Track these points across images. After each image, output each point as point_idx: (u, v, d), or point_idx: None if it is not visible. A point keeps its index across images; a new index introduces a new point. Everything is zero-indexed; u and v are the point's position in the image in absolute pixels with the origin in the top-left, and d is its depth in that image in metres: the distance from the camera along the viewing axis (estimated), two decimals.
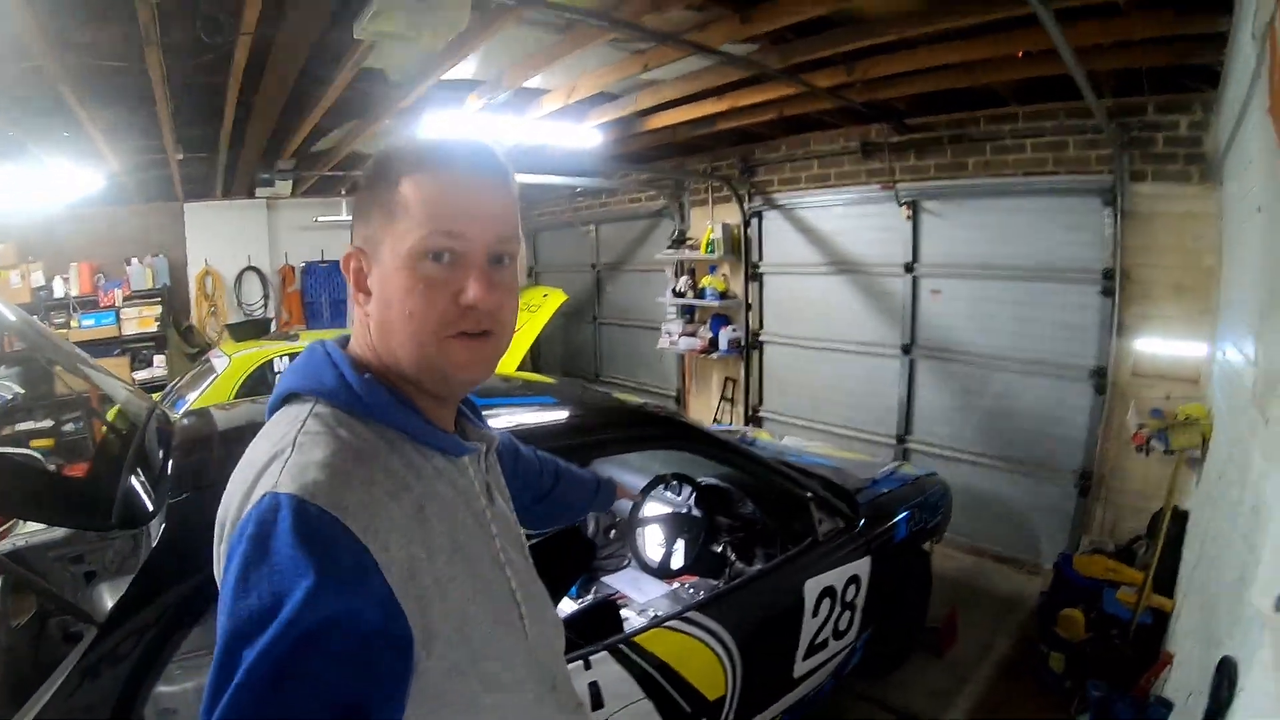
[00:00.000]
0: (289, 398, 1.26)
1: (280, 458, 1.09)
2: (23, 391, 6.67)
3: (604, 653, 2.82)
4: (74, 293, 8.92)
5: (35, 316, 5.78)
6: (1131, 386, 5.66)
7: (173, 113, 5.39)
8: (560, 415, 3.44)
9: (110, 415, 3.48)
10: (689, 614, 3.18)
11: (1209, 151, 5.09)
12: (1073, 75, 4.05)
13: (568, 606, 3.75)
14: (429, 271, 1.21)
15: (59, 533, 3.09)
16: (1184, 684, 3.15)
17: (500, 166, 1.29)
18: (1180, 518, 4.70)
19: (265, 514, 1.01)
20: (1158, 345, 5.51)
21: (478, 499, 1.32)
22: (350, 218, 1.35)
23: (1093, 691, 3.28)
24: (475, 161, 1.27)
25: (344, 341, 1.33)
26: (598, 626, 3.17)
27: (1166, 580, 4.51)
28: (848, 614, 3.91)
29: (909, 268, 7.04)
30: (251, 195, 9.25)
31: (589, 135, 6.85)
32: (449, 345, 1.22)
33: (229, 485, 1.17)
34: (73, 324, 8.74)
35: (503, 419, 3.09)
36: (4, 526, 4.05)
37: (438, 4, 3.43)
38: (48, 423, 7.38)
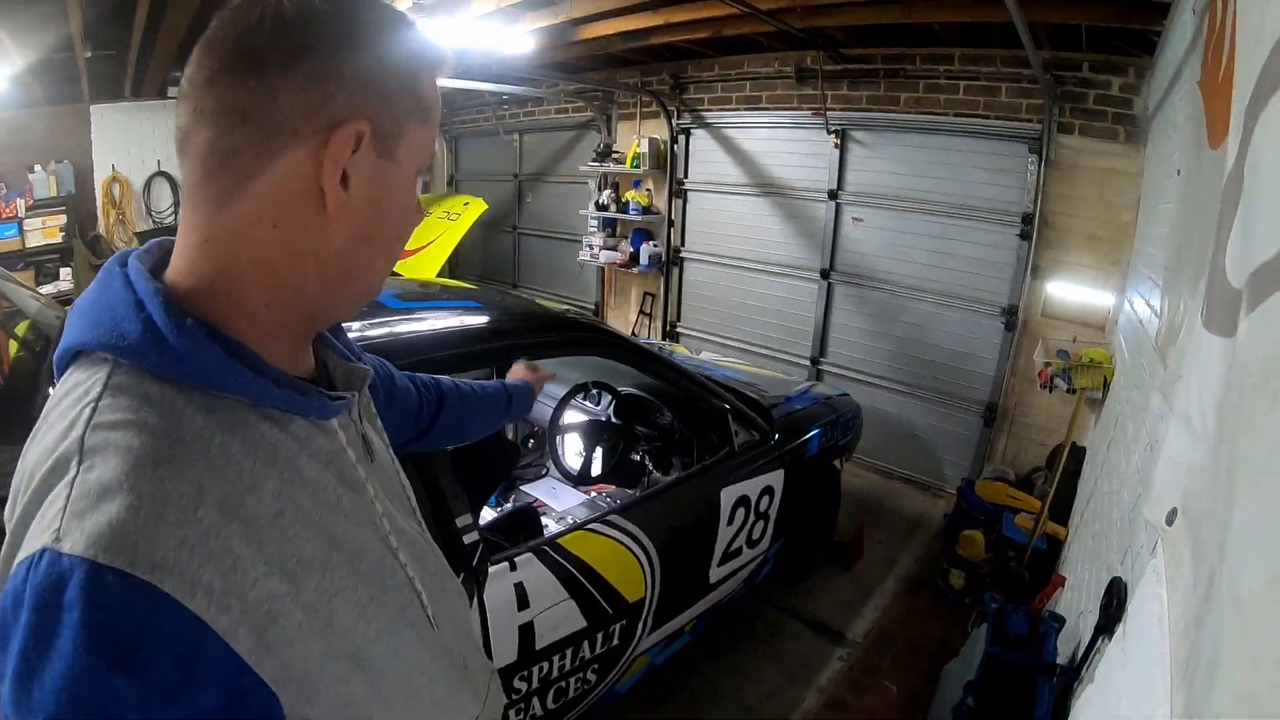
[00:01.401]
0: (77, 355, 0.88)
1: (63, 476, 0.75)
2: None
3: (529, 554, 2.86)
4: None
5: None
6: (1040, 326, 5.87)
7: (83, 7, 5.14)
8: (482, 319, 3.41)
9: (20, 329, 3.36)
10: (611, 517, 3.24)
11: (1138, 114, 5.23)
12: (1014, 22, 4.09)
13: (488, 514, 3.79)
14: (417, 191, 1.03)
15: None
16: (1075, 605, 3.34)
17: None
18: (1078, 453, 4.94)
19: (45, 593, 0.68)
20: (1068, 290, 5.72)
21: (354, 467, 1.03)
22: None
23: (990, 603, 3.43)
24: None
25: (158, 255, 0.95)
26: (519, 532, 3.23)
27: (1062, 510, 4.79)
28: (761, 523, 4.04)
29: (833, 194, 7.10)
30: (163, 96, 8.75)
31: (521, 41, 6.69)
32: None
33: (13, 489, 0.84)
34: None
35: (425, 323, 3.08)
36: None
37: None
38: None
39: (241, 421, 0.86)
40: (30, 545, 0.72)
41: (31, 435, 0.86)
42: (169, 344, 0.81)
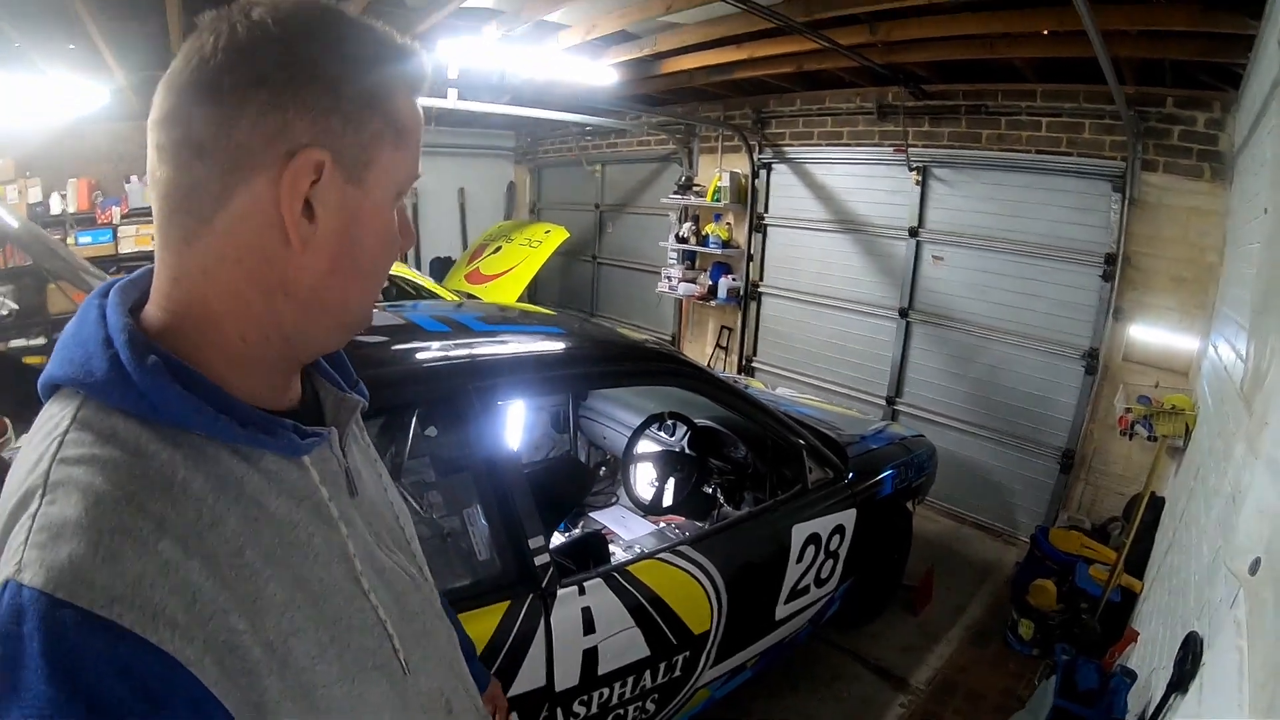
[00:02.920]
0: (56, 388, 0.89)
1: (27, 509, 0.77)
2: (16, 307, 6.64)
3: (598, 580, 2.88)
4: (71, 210, 8.56)
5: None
6: (1122, 371, 5.74)
7: (184, 27, 5.30)
8: (564, 345, 3.46)
9: None
10: (681, 548, 3.24)
11: (1223, 151, 5.11)
12: (1098, 58, 4.04)
13: (556, 538, 3.82)
14: (395, 213, 0.99)
15: None
16: (1148, 661, 3.25)
17: None
18: (1156, 504, 4.81)
19: (7, 624, 0.69)
20: (1152, 334, 5.57)
21: (328, 504, 1.00)
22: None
23: (1061, 655, 3.38)
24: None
25: (144, 286, 0.96)
26: (586, 558, 3.23)
27: (1138, 562, 4.65)
28: (830, 563, 3.99)
29: (913, 232, 7.05)
30: None
31: (605, 73, 6.78)
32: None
33: None
34: (69, 241, 8.33)
35: (509, 346, 3.14)
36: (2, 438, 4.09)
37: None
38: (40, 340, 7.34)
39: (207, 457, 0.86)
40: None
41: (12, 467, 0.86)
42: (132, 382, 0.82)
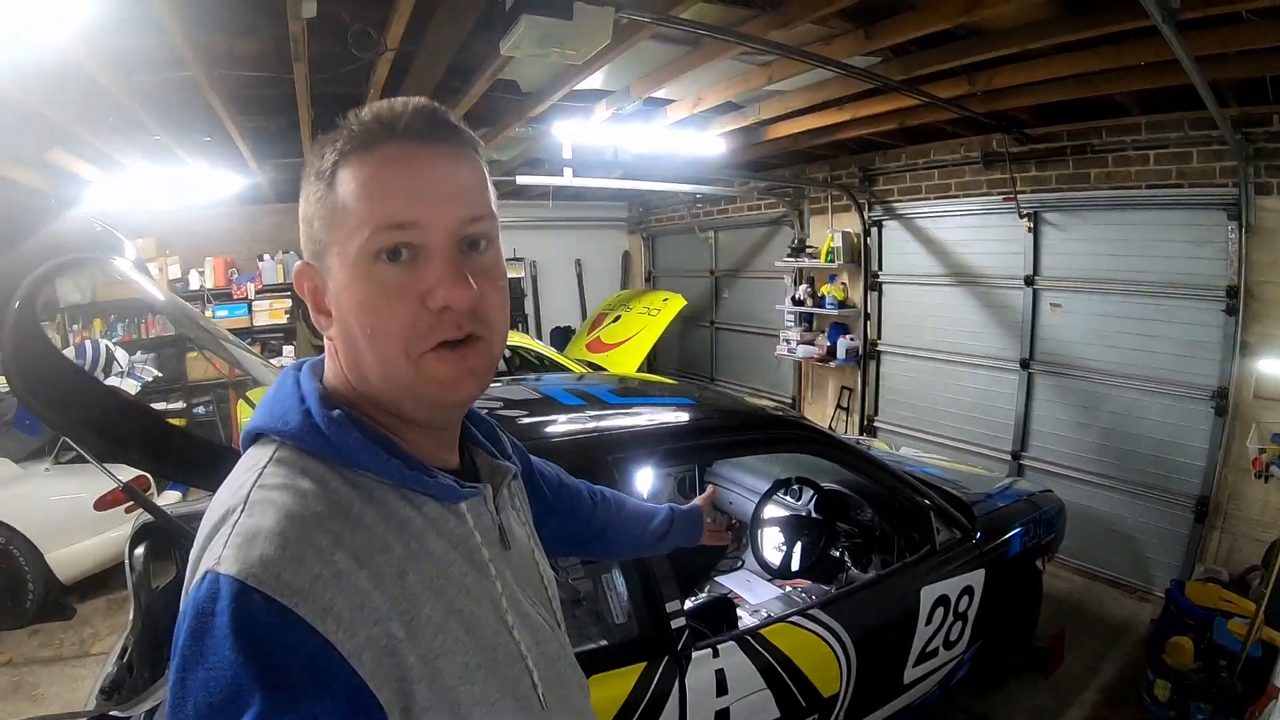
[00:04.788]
0: (257, 437, 1.09)
1: (229, 520, 0.93)
2: (160, 375, 7.28)
3: (731, 643, 2.98)
4: (209, 285, 9.51)
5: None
6: (1253, 409, 5.51)
7: (313, 121, 5.65)
8: (694, 416, 3.59)
9: (254, 395, 3.77)
10: (811, 611, 3.30)
11: None
12: (1194, 85, 4.02)
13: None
14: (385, 276, 1.01)
15: (201, 505, 3.27)
16: None
17: (452, 129, 1.07)
18: None
19: (204, 603, 0.85)
20: None
21: (479, 549, 1.13)
22: None
23: (1197, 715, 3.29)
24: (417, 128, 1.04)
25: (323, 368, 1.16)
26: (715, 622, 3.30)
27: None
28: (959, 625, 3.96)
29: (1029, 280, 6.97)
30: None
31: (712, 144, 6.97)
32: (426, 362, 1.03)
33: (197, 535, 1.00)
34: (207, 314, 9.17)
35: (643, 419, 3.29)
36: (145, 492, 4.40)
37: (581, 22, 3.59)
38: (180, 404, 8.12)
39: (379, 497, 1.03)
40: (199, 572, 0.90)
41: (215, 496, 1.04)
42: (320, 430, 1.02)
